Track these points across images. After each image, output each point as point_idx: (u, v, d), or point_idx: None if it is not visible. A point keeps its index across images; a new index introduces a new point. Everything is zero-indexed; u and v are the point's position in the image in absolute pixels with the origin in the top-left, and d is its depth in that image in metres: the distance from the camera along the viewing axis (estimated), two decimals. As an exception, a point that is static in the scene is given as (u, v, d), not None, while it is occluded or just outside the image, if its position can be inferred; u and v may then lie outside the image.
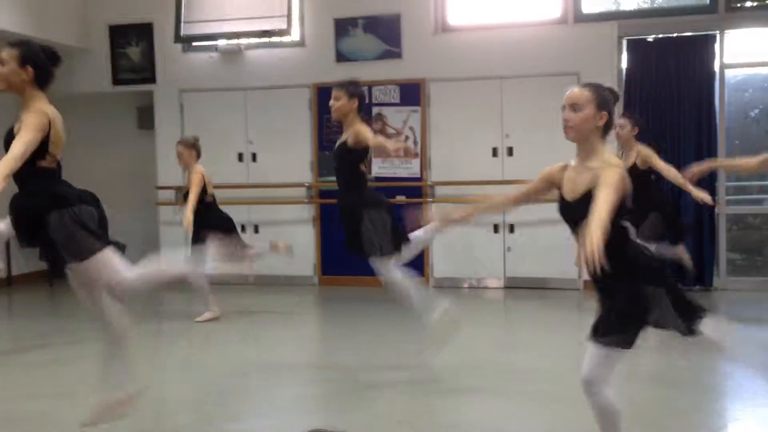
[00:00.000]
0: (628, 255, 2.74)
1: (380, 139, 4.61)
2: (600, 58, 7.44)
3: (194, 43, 8.43)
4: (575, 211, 2.74)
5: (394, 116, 8.01)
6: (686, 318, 2.70)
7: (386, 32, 7.96)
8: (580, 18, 7.59)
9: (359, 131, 4.39)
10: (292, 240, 7.75)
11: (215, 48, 8.34)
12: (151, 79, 8.59)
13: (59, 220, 3.07)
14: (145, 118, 8.93)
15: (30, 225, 3.13)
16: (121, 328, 3.37)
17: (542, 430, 3.67)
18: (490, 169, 7.59)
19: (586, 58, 7.44)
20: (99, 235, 3.17)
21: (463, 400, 4.06)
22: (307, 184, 8.23)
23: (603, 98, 2.76)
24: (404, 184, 7.88)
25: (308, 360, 5.27)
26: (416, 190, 7.90)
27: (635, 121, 5.89)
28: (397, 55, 7.95)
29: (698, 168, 5.29)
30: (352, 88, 4.47)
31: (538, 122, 7.38)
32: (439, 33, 7.94)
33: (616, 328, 2.68)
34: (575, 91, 2.77)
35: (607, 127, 2.78)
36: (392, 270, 4.35)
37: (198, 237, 5.82)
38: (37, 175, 3.09)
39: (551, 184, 2.91)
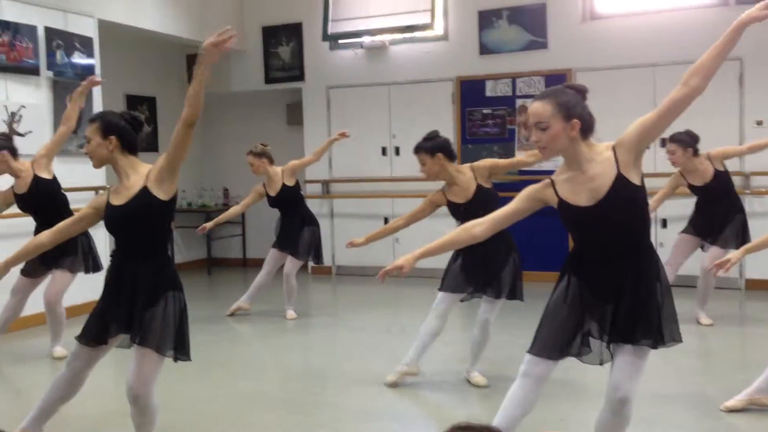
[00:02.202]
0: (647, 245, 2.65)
1: None
2: (765, 42, 6.89)
3: (340, 41, 8.67)
4: (606, 210, 2.52)
5: (539, 108, 7.84)
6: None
7: (531, 22, 7.80)
8: (743, 0, 7.07)
9: (468, 185, 4.21)
10: (432, 232, 7.81)
11: (360, 45, 8.54)
12: (300, 77, 8.94)
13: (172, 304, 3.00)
14: (294, 114, 9.31)
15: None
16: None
17: None
18: (651, 158, 7.25)
19: (750, 43, 6.78)
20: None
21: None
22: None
23: (567, 106, 2.52)
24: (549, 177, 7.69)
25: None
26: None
27: (685, 143, 5.39)
28: (543, 46, 7.78)
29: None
30: (431, 144, 4.29)
31: (694, 109, 6.93)
32: (587, 21, 7.68)
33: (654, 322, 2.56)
34: (535, 106, 2.56)
35: (585, 128, 2.55)
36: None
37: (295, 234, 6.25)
38: (161, 242, 3.07)
39: (541, 202, 2.69)
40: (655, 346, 2.57)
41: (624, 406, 2.58)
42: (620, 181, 2.51)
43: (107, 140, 3.01)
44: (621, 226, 2.56)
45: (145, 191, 2.92)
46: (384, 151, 8.57)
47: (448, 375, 4.56)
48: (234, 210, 6.37)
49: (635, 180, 2.53)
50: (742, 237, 5.41)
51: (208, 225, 6.10)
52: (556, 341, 2.70)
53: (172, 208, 3.02)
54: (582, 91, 2.64)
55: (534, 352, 2.72)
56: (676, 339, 2.63)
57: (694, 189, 5.60)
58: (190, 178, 9.41)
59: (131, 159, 3.07)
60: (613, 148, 2.54)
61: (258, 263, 9.29)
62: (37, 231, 4.74)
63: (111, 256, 3.13)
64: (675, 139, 5.42)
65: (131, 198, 2.95)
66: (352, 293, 7.82)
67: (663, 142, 7.28)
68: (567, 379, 4.38)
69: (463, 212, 4.13)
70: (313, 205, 8.82)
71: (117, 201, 2.98)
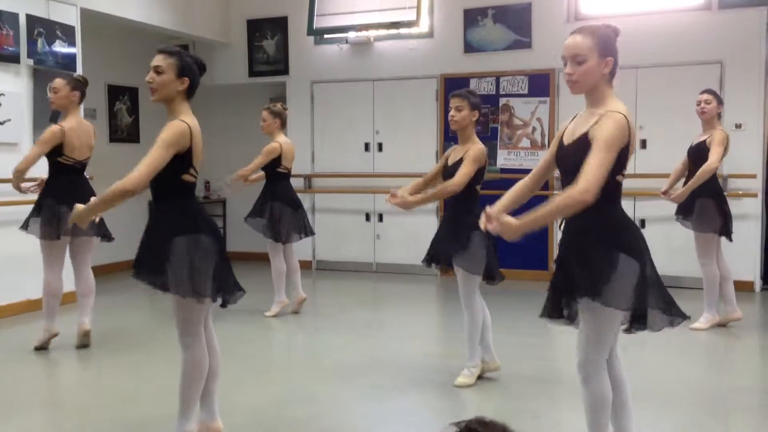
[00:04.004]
0: (612, 218, 2.55)
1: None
2: (745, 45, 7.01)
3: (326, 36, 8.65)
4: (567, 155, 2.57)
5: (522, 107, 7.89)
6: (666, 306, 2.55)
7: (516, 22, 7.84)
8: (726, 4, 7.14)
9: (479, 154, 4.12)
10: (415, 230, 7.85)
11: (345, 40, 8.52)
12: (284, 71, 8.91)
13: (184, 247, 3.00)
14: (278, 108, 9.27)
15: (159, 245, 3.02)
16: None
17: None
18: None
19: (731, 46, 7.03)
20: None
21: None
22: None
23: (605, 42, 2.52)
24: (530, 177, 7.73)
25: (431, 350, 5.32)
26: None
27: (719, 98, 5.45)
28: (527, 45, 7.81)
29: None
30: (475, 99, 4.22)
31: (674, 112, 7.07)
32: (571, 22, 7.72)
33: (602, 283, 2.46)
34: (575, 39, 2.53)
35: (613, 70, 2.56)
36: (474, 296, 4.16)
37: (263, 208, 6.03)
38: (178, 190, 3.05)
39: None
40: (592, 297, 2.48)
41: (579, 373, 2.56)
42: (584, 138, 2.52)
43: (180, 80, 3.03)
44: (574, 176, 2.48)
45: None
46: (367, 147, 8.57)
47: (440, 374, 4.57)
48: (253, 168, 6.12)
49: None
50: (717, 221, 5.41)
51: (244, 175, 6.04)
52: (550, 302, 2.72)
53: (180, 162, 2.99)
54: (617, 32, 2.62)
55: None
56: (621, 306, 2.49)
57: (690, 150, 5.52)
58: (172, 170, 9.30)
59: (186, 105, 3.08)
60: (601, 116, 2.52)
61: (239, 257, 9.29)
62: None
63: None
64: (713, 91, 5.46)
65: None
66: (332, 288, 7.82)
67: (644, 144, 7.36)
68: (540, 376, 4.42)
69: (448, 171, 4.21)
70: (295, 200, 8.83)
71: None
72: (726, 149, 5.35)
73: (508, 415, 3.88)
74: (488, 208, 2.58)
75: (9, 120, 6.11)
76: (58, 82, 4.94)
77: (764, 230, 7.19)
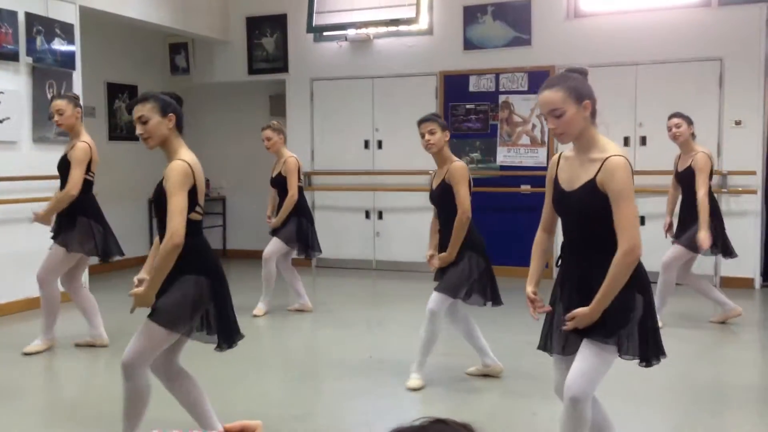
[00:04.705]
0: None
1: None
2: (745, 42, 7.00)
3: (325, 33, 8.64)
4: (572, 203, 2.58)
5: (521, 104, 7.88)
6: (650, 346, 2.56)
7: (516, 19, 7.83)
8: (726, 1, 7.14)
9: (464, 171, 4.14)
10: (414, 228, 7.85)
11: (345, 37, 8.51)
12: (284, 69, 8.90)
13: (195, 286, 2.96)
14: (278, 105, 9.27)
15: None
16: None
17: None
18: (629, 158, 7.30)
19: (731, 43, 7.03)
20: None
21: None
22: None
23: (576, 88, 2.53)
24: (530, 173, 7.74)
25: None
26: (541, 180, 7.70)
27: (689, 119, 5.38)
28: (527, 42, 7.81)
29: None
30: (443, 121, 4.26)
31: (674, 109, 7.00)
32: (570, 18, 7.72)
33: (615, 324, 2.49)
34: (547, 95, 2.54)
35: (593, 110, 2.56)
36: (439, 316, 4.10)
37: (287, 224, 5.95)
38: (187, 231, 2.92)
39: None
40: (605, 341, 2.50)
41: (575, 405, 2.53)
42: (591, 184, 2.52)
43: (167, 118, 3.00)
44: (583, 224, 2.58)
45: (160, 181, 2.96)
46: (366, 144, 8.56)
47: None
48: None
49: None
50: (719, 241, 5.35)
51: None
52: (547, 333, 2.76)
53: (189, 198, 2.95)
54: (584, 73, 2.63)
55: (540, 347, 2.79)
56: (631, 353, 2.53)
57: (678, 176, 5.52)
58: (171, 168, 9.30)
59: (180, 140, 3.06)
60: (604, 160, 2.52)
61: (238, 254, 9.30)
62: None
63: None
64: (680, 113, 5.41)
65: (159, 182, 3.00)
66: (331, 286, 7.82)
67: (644, 140, 7.36)
68: (539, 374, 4.42)
69: (433, 197, 4.27)
70: (295, 198, 8.84)
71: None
72: (711, 170, 5.31)
73: (507, 411, 3.89)
74: (530, 297, 2.73)
75: (8, 118, 6.10)
76: (60, 103, 4.77)
77: (764, 227, 7.19)
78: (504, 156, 7.93)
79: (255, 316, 6.02)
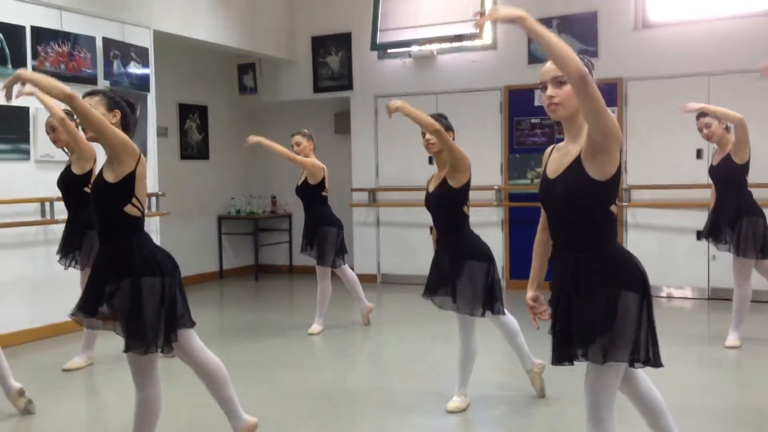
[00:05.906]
0: (609, 251, 2.39)
1: None
2: (732, 55, 6.76)
3: (389, 50, 8.72)
4: (556, 189, 2.40)
5: (588, 117, 7.75)
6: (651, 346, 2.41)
7: (582, 31, 7.73)
8: (803, 6, 6.89)
9: (462, 166, 4.05)
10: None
11: (408, 54, 8.57)
12: (349, 86, 9.01)
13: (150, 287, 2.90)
14: (342, 123, 9.39)
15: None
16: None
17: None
18: (694, 171, 7.09)
19: (719, 57, 6.82)
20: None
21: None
22: (496, 187, 8.20)
23: (584, 62, 2.38)
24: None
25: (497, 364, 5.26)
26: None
27: (716, 116, 5.09)
28: (593, 54, 7.68)
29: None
30: (446, 121, 4.14)
31: (750, 119, 6.79)
32: (638, 29, 7.57)
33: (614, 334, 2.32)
34: (551, 64, 2.39)
35: None
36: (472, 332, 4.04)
37: (315, 232, 5.97)
38: (123, 224, 2.93)
39: None
40: (591, 358, 2.35)
41: (593, 426, 2.39)
42: (576, 162, 2.36)
43: (112, 113, 3.05)
44: (569, 215, 2.40)
45: (99, 172, 2.98)
46: (430, 160, 8.54)
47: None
48: (282, 149, 6.19)
49: (593, 173, 2.33)
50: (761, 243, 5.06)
51: (255, 139, 6.11)
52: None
53: (123, 191, 2.91)
54: (591, 65, 2.52)
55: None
56: (620, 359, 2.36)
57: (712, 171, 5.30)
58: (239, 186, 9.55)
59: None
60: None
61: (304, 270, 9.41)
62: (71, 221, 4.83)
63: None
64: (703, 114, 5.15)
65: (96, 177, 3.03)
66: (397, 301, 7.82)
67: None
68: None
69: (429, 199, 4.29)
70: (359, 214, 8.92)
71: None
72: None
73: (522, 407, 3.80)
74: (529, 304, 2.71)
75: (86, 139, 6.34)
76: (53, 121, 4.66)
77: None
78: (571, 170, 7.81)
79: (310, 334, 6.06)
